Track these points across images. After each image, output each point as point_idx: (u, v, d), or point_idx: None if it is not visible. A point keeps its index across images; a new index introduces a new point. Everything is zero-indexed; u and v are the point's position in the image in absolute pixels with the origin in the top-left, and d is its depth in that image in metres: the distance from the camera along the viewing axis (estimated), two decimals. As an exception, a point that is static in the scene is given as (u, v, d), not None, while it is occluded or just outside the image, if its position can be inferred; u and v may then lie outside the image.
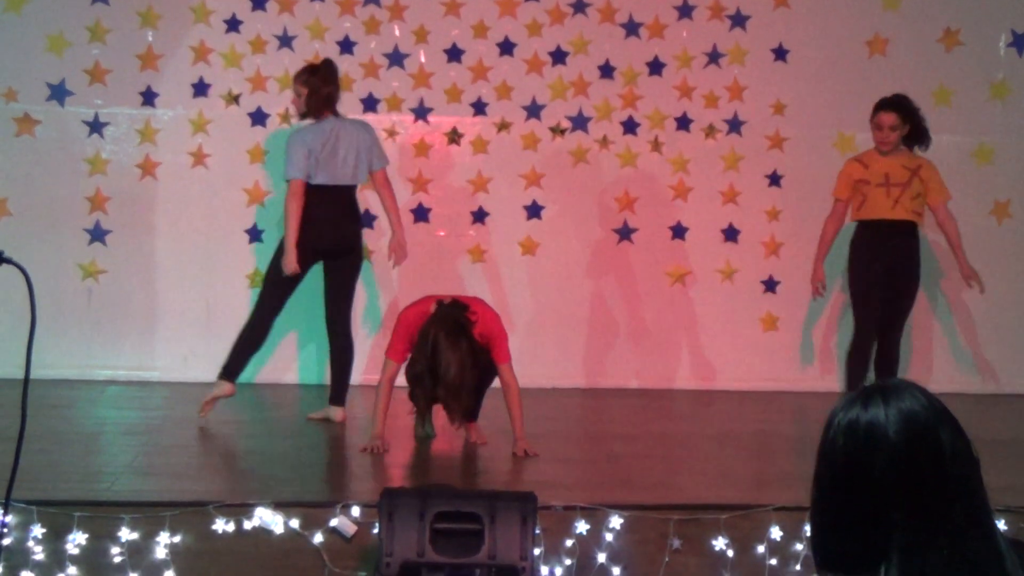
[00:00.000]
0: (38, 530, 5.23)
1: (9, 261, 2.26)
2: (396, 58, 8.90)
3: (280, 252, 7.23)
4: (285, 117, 8.80)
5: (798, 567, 5.43)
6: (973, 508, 2.06)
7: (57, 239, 8.54)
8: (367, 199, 8.25)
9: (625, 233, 9.09)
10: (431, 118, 8.88)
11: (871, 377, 7.62)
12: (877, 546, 2.06)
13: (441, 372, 6.41)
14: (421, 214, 8.86)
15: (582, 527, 5.44)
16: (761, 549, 5.50)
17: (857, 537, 2.09)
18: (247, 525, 5.35)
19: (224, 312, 8.79)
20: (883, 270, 7.58)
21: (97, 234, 8.58)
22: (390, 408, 6.74)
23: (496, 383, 6.81)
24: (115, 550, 5.27)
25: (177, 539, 5.31)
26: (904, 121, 7.50)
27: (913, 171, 7.56)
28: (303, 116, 7.45)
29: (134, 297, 8.56)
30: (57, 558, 5.24)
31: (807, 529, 5.38)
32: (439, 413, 7.00)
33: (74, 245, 8.50)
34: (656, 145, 9.06)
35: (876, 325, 7.65)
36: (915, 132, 7.58)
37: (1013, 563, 2.06)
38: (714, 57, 9.09)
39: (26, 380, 2.30)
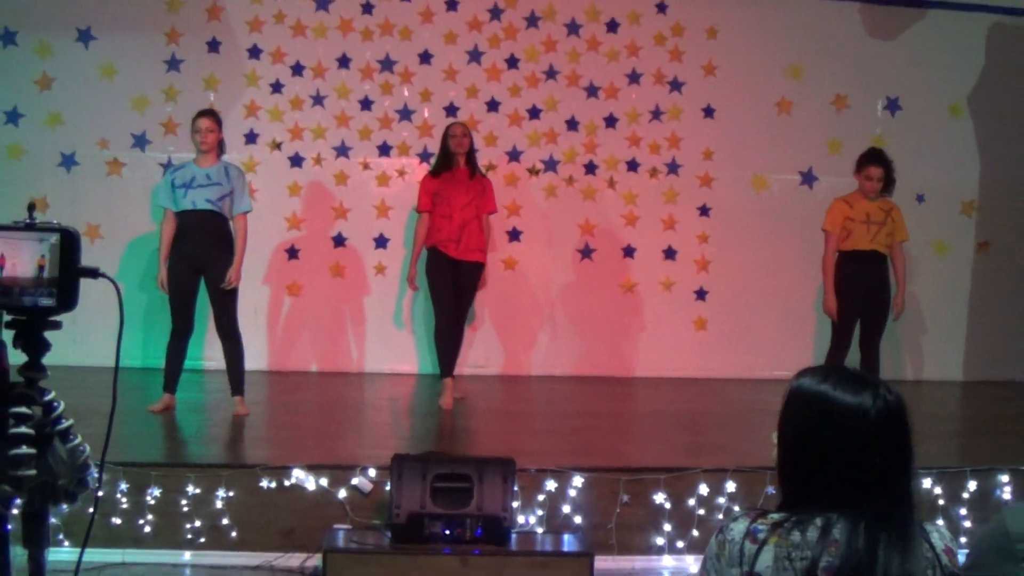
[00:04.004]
0: (124, 485, 5.25)
1: (105, 276, 2.31)
2: (405, 113, 8.93)
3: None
4: (318, 160, 8.83)
5: (720, 516, 5.44)
6: (905, 478, 2.06)
7: (139, 257, 8.54)
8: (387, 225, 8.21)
9: (586, 252, 9.12)
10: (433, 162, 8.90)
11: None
12: (832, 492, 2.03)
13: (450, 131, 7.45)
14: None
15: (551, 485, 5.45)
16: (692, 502, 5.52)
17: (815, 480, 2.05)
18: (286, 483, 5.36)
19: (269, 314, 8.83)
20: (863, 294, 7.19)
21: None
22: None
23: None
24: (183, 501, 5.30)
25: (231, 493, 5.33)
26: (885, 172, 7.21)
27: (887, 212, 7.25)
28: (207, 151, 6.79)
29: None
30: (139, 507, 5.27)
31: (730, 484, 5.42)
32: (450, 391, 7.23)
33: (154, 261, 8.44)
34: (611, 183, 9.09)
35: (851, 341, 7.21)
36: (888, 180, 7.24)
37: (920, 526, 2.07)
38: (656, 114, 9.13)
39: (116, 369, 2.37)
